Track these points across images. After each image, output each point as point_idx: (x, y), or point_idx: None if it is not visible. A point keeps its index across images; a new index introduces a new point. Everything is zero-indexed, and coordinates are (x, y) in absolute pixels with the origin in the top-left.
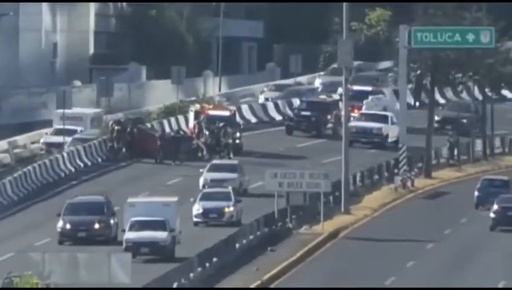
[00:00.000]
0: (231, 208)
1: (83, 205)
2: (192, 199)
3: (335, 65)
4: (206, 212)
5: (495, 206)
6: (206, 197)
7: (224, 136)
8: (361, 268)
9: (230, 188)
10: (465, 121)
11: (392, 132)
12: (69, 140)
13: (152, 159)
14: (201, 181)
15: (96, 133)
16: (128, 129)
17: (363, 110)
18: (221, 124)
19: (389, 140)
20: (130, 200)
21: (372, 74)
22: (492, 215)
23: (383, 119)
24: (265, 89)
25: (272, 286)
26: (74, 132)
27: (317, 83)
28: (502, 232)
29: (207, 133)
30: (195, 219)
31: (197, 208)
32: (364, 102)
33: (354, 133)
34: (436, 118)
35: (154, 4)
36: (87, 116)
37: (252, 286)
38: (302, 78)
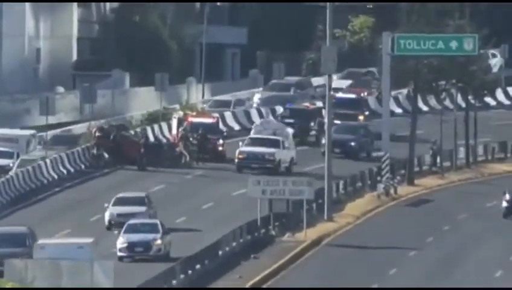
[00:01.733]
0: (159, 241)
1: (4, 236)
2: (116, 231)
3: (274, 80)
4: (131, 246)
5: (507, 196)
6: (132, 229)
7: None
8: (344, 276)
9: (157, 220)
10: (353, 143)
11: (284, 157)
12: (16, 162)
13: (135, 166)
14: (106, 216)
15: (43, 154)
16: (112, 136)
17: (252, 135)
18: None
19: (282, 165)
20: (40, 241)
21: (308, 91)
22: (505, 204)
23: (275, 143)
24: (204, 105)
25: None
26: (10, 154)
27: (256, 98)
28: (485, 241)
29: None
30: (119, 253)
31: (121, 242)
32: (253, 126)
33: (245, 159)
34: (323, 141)
35: (138, 6)
36: (22, 138)
37: None
38: (243, 94)
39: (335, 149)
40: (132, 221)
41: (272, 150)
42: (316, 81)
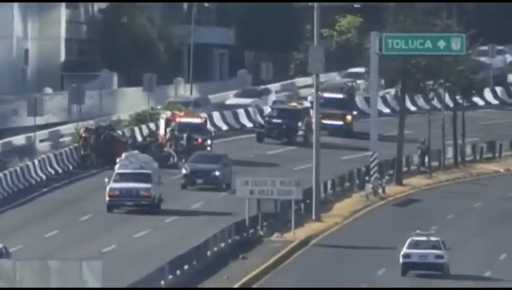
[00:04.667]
0: None
1: None
2: None
3: (171, 99)
4: None
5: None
6: None
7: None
8: (332, 276)
9: None
10: (217, 173)
11: (157, 191)
12: None
13: None
14: None
15: None
16: (102, 137)
17: (119, 170)
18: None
19: (156, 201)
20: None
21: (206, 109)
22: None
23: (147, 178)
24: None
25: None
26: None
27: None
28: (474, 241)
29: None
30: None
31: None
32: (117, 160)
33: (117, 197)
34: (184, 171)
35: (126, 7)
36: None
37: None
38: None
39: (197, 180)
40: None
41: (146, 185)
42: (214, 98)
